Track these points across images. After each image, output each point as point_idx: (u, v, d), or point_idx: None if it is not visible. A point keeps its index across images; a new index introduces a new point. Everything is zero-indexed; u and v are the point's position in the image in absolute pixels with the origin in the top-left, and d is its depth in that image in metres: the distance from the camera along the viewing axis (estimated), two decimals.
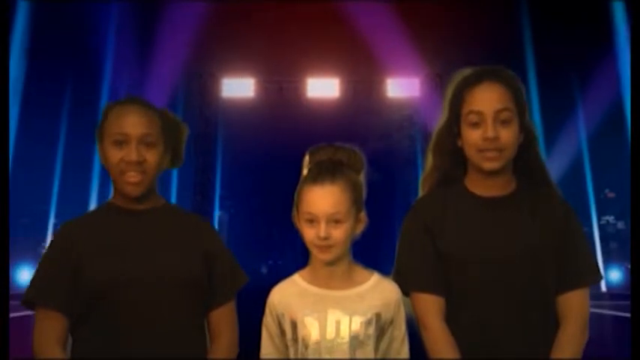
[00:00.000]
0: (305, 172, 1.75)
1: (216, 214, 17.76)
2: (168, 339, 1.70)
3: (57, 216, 18.60)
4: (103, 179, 16.08)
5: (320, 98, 16.70)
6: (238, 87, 16.84)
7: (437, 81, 15.06)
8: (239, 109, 17.00)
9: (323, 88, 16.69)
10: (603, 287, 16.98)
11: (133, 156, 1.72)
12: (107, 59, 15.79)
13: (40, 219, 18.75)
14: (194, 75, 16.58)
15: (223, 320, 1.83)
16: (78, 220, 1.84)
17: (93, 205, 15.85)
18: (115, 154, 1.74)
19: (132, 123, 1.74)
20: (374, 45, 15.49)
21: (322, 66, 16.27)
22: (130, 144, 1.73)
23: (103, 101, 16.05)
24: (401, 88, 16.47)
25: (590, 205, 18.04)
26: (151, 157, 1.75)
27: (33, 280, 1.74)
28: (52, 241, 1.78)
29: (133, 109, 1.78)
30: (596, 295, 14.40)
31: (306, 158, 1.77)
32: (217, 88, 16.73)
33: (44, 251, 1.78)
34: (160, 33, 14.79)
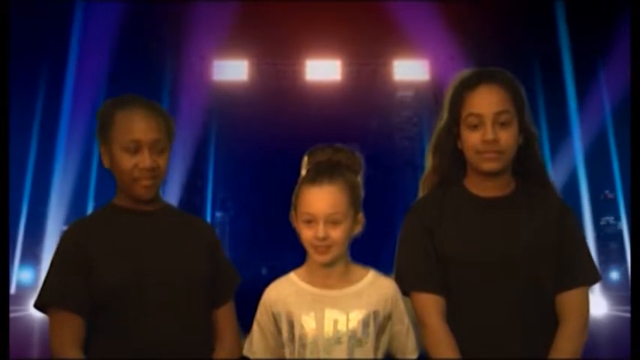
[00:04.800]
0: (304, 172, 1.93)
1: (208, 208, 17.93)
2: (181, 339, 1.89)
3: (29, 214, 18.79)
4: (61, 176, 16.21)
5: (320, 82, 16.77)
6: (231, 70, 16.90)
7: (449, 64, 15.14)
8: (231, 93, 17.08)
9: (323, 70, 16.77)
10: None
11: (147, 163, 1.90)
12: (73, 40, 15.79)
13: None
14: (183, 57, 16.63)
15: (226, 320, 2.04)
16: (85, 221, 2.03)
17: (54, 203, 16.01)
18: (127, 161, 1.91)
19: (143, 129, 1.91)
20: (378, 23, 15.53)
21: (322, 47, 16.32)
22: (143, 150, 1.91)
23: (68, 92, 16.05)
24: (408, 70, 16.55)
25: (619, 203, 18.06)
26: (163, 162, 1.95)
27: (46, 283, 1.91)
28: (61, 243, 1.95)
29: (141, 113, 1.94)
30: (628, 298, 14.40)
31: (305, 159, 1.95)
32: (208, 71, 16.80)
33: (54, 253, 1.95)
34: (145, 16, 14.84)
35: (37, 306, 1.91)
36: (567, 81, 16.15)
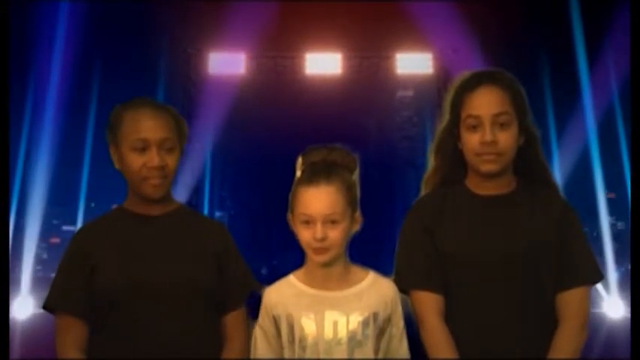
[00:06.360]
0: (298, 173, 1.98)
1: (206, 207, 17.98)
2: (182, 344, 1.93)
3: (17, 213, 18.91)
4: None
5: (320, 75, 16.75)
6: (227, 63, 16.88)
7: (454, 57, 15.14)
8: (227, 87, 17.08)
9: (324, 64, 16.74)
10: None
11: (156, 161, 1.95)
12: (59, 39, 15.80)
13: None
14: (178, 50, 16.62)
15: (235, 325, 2.06)
16: (93, 225, 2.09)
17: (37, 202, 16.08)
18: (135, 160, 1.96)
19: (151, 128, 1.97)
20: (381, 15, 15.54)
21: (322, 39, 16.32)
22: (151, 149, 1.96)
23: (54, 89, 16.07)
24: (412, 64, 16.53)
25: (628, 203, 17.92)
26: (171, 160, 2.00)
27: (53, 286, 1.99)
28: (68, 247, 2.02)
29: (149, 112, 1.99)
30: None
31: (299, 160, 2.00)
32: (204, 64, 16.78)
33: (62, 256, 2.01)
34: (140, 9, 14.86)
35: (45, 308, 2.00)
36: (581, 73, 16.16)
